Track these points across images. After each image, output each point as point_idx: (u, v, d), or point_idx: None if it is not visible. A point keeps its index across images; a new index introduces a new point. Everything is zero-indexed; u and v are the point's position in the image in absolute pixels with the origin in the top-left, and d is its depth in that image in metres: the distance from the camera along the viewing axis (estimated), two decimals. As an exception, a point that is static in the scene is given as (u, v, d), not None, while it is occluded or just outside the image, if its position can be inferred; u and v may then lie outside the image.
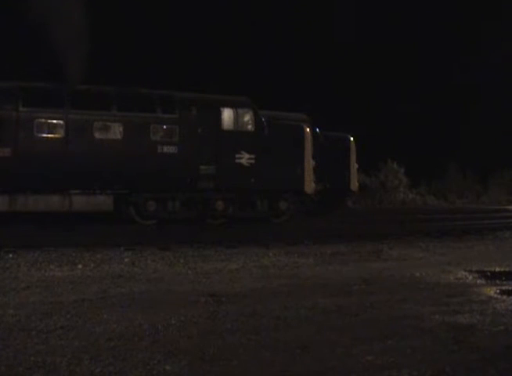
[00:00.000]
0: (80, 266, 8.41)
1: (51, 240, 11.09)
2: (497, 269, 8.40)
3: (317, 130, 19.38)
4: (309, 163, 17.06)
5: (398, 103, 39.18)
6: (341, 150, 20.70)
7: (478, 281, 7.52)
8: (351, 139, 21.23)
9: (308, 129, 17.42)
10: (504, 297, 6.47)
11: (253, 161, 16.32)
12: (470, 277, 7.79)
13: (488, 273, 8.06)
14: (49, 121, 14.77)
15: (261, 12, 43.20)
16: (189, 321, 5.24)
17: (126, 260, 9.11)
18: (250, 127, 16.52)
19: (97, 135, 15.12)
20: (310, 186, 17.05)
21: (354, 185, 21.02)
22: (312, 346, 4.52)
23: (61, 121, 14.81)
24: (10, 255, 9.40)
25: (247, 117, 16.50)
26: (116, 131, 15.35)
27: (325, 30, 42.12)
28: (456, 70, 41.74)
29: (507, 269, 8.39)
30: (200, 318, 5.36)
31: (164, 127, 15.76)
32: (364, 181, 28.23)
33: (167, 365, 4.03)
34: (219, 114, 16.19)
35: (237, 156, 16.21)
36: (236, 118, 16.36)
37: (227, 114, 16.29)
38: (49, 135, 14.77)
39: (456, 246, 11.66)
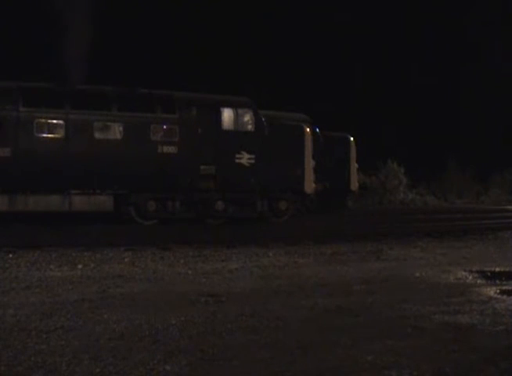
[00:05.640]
0: (80, 266, 8.41)
1: (51, 240, 11.10)
2: (497, 269, 8.40)
3: (317, 130, 19.39)
4: (309, 163, 17.07)
5: (398, 103, 39.21)
6: (341, 150, 20.74)
7: (478, 281, 7.52)
8: (351, 139, 21.26)
9: (308, 129, 17.43)
10: (504, 297, 6.47)
11: (253, 161, 16.32)
12: (470, 277, 7.79)
13: (488, 273, 8.06)
14: (49, 121, 14.78)
15: (260, 11, 43.21)
16: (189, 321, 5.24)
17: (126, 260, 9.11)
18: (250, 127, 16.52)
19: (97, 135, 15.12)
20: (310, 186, 17.05)
21: (354, 185, 21.06)
22: (312, 346, 4.52)
23: (61, 121, 14.81)
24: (10, 255, 9.39)
25: (247, 117, 16.51)
26: (116, 131, 15.35)
27: (325, 29, 42.13)
28: (456, 70, 41.76)
29: (507, 269, 8.39)
30: (200, 318, 5.36)
31: (164, 127, 15.76)
32: (364, 181, 28.24)
33: (167, 365, 4.03)
34: (219, 114, 16.19)
35: (237, 156, 16.21)
36: (236, 118, 16.36)
37: (227, 114, 16.28)
38: (49, 135, 14.77)
39: (456, 246, 11.66)
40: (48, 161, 14.43)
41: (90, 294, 6.36)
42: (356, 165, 21.29)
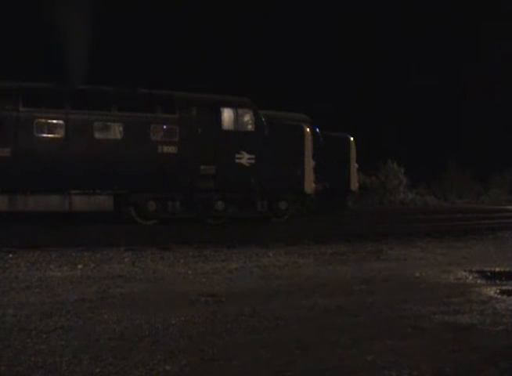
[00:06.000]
0: (80, 266, 8.41)
1: (51, 240, 11.09)
2: (497, 269, 8.40)
3: (317, 130, 19.38)
4: (309, 163, 17.06)
5: (398, 103, 39.20)
6: (341, 150, 20.72)
7: (478, 281, 7.52)
8: (351, 139, 21.24)
9: (308, 129, 17.43)
10: (504, 297, 6.48)
11: (253, 161, 16.32)
12: (470, 277, 7.79)
13: (488, 273, 8.06)
14: (49, 121, 14.76)
15: (260, 11, 43.21)
16: (189, 321, 5.25)
17: (126, 260, 9.11)
18: (250, 127, 16.52)
19: (97, 135, 15.11)
20: (310, 186, 17.05)
21: (354, 185, 21.04)
22: (312, 346, 4.52)
23: (61, 121, 14.80)
24: (10, 255, 9.39)
25: (247, 117, 16.50)
26: (116, 131, 15.35)
27: (324, 30, 42.12)
28: (456, 70, 41.74)
29: (507, 269, 8.40)
30: (200, 318, 5.36)
31: (164, 127, 15.75)
32: (364, 181, 28.23)
33: (167, 365, 4.03)
34: (219, 114, 16.18)
35: (237, 156, 16.21)
36: (236, 118, 16.35)
37: (227, 114, 16.27)
38: (49, 135, 14.76)
39: (456, 246, 11.66)
40: (48, 161, 14.42)
41: (90, 294, 6.36)
42: (356, 165, 21.27)
